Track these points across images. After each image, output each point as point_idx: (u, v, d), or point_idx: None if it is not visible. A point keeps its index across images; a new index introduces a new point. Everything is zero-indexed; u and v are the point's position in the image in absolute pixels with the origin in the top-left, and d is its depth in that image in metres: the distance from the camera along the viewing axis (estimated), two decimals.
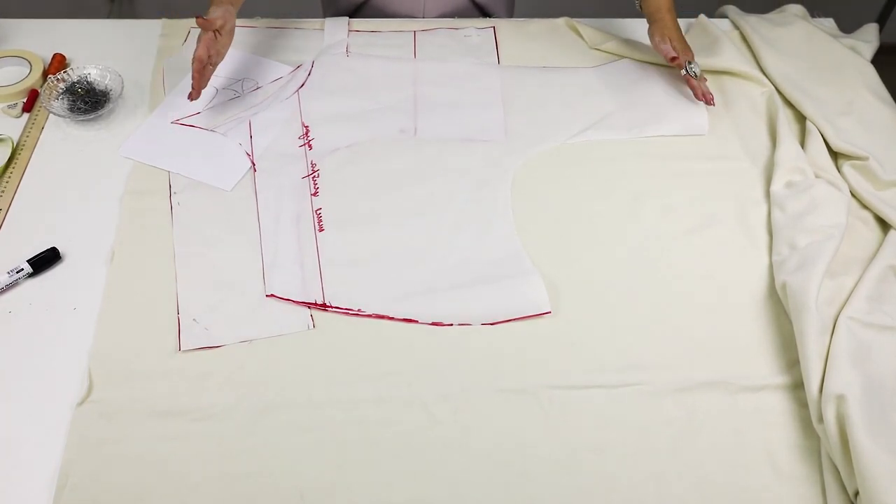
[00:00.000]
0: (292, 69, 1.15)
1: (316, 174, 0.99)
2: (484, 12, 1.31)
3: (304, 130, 1.04)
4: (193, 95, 0.99)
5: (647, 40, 1.17)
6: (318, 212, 0.95)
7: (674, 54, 1.08)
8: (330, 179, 1.00)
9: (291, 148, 1.04)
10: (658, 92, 1.14)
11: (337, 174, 1.01)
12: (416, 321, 0.87)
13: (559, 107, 1.12)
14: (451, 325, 0.87)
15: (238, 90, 1.12)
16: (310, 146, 1.02)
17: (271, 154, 1.02)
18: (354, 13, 1.28)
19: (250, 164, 1.01)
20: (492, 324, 0.87)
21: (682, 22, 1.28)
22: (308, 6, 1.34)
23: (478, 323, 0.87)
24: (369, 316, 0.87)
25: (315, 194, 0.97)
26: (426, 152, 1.04)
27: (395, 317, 0.87)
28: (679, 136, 1.09)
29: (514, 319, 0.87)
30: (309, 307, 0.87)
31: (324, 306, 0.87)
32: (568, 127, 1.09)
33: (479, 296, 0.89)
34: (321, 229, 0.94)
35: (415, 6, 1.26)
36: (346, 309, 0.87)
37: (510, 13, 1.37)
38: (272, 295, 0.88)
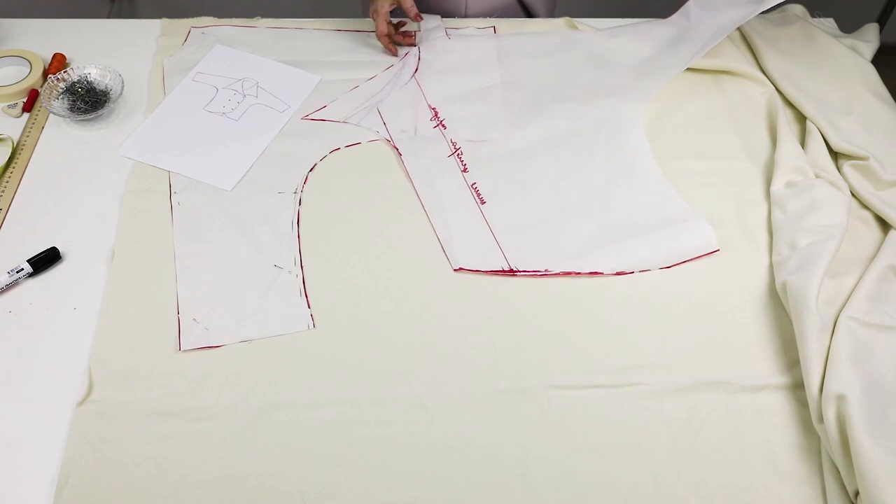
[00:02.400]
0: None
1: (459, 151, 1.02)
2: (528, 11, 1.32)
3: (433, 112, 1.07)
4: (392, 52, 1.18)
5: None
6: (474, 186, 0.99)
7: None
8: (474, 155, 1.04)
9: (427, 130, 1.07)
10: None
11: (479, 149, 1.05)
12: (602, 272, 0.91)
13: (659, 49, 1.17)
14: (633, 272, 0.92)
15: (238, 90, 1.12)
16: (443, 126, 1.05)
17: (410, 137, 1.06)
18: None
19: (395, 151, 1.04)
20: (668, 267, 0.93)
21: None
22: (308, 6, 1.35)
23: (656, 268, 0.92)
24: (557, 274, 0.91)
25: (465, 171, 1.01)
26: (555, 116, 1.09)
27: (581, 271, 0.91)
28: (678, 137, 1.09)
29: (688, 261, 0.93)
30: (497, 275, 0.91)
31: (512, 272, 0.91)
32: (677, 60, 1.13)
33: (648, 244, 0.94)
34: (482, 202, 0.98)
35: (457, 4, 1.26)
36: (534, 271, 0.90)
37: (550, 13, 1.37)
38: (460, 269, 0.91)
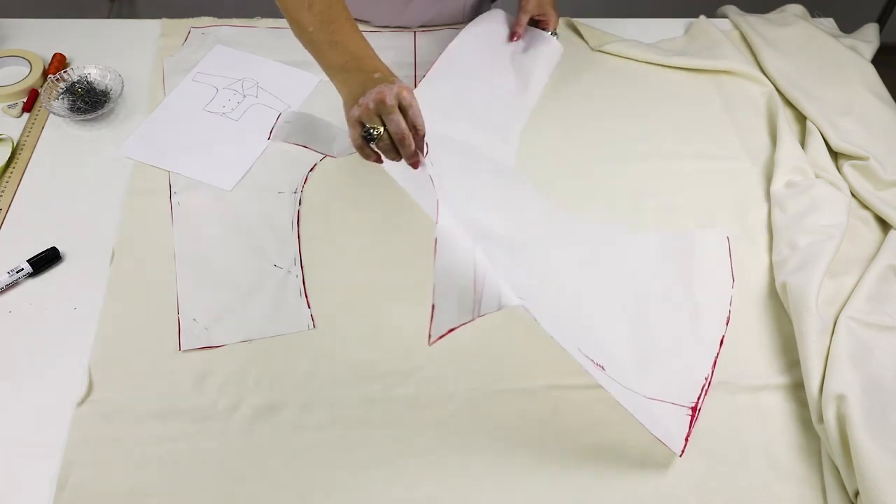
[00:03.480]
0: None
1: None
2: None
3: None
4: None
5: (649, 40, 1.17)
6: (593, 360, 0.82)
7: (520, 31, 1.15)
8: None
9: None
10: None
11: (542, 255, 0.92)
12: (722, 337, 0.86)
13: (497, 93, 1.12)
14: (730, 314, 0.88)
15: (238, 90, 1.12)
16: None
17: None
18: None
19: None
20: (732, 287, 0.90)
21: (682, 22, 1.28)
22: None
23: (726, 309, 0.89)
24: (709, 384, 0.83)
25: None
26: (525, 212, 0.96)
27: (714, 360, 0.84)
28: (678, 137, 1.09)
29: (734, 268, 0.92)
30: (699, 402, 0.81)
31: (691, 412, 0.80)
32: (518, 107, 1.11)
33: (706, 290, 0.90)
34: (602, 367, 0.79)
35: (459, 5, 1.25)
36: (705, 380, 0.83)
37: None
38: (685, 449, 0.77)
